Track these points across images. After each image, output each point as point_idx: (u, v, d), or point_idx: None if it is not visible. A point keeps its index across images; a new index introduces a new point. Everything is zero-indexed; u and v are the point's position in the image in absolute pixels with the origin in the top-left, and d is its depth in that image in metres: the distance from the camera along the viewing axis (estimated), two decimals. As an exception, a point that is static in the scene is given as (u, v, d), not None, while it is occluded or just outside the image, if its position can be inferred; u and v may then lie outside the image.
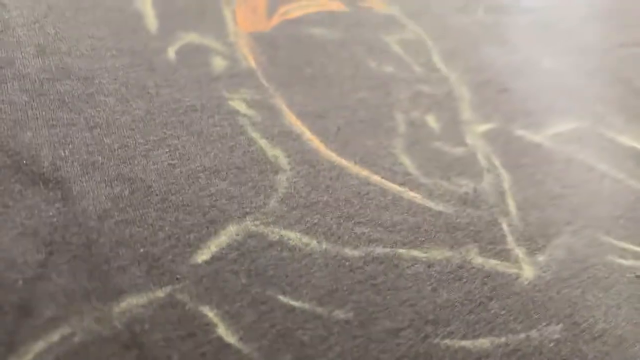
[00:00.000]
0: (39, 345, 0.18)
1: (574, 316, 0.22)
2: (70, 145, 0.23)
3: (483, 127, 0.30)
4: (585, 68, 0.36)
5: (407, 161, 0.28)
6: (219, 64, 0.29)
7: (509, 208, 0.26)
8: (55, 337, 0.18)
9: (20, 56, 0.26)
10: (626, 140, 0.31)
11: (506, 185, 0.28)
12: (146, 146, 0.24)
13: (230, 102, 0.27)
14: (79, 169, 0.23)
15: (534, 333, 0.21)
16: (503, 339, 0.20)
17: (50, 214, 0.21)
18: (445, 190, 0.27)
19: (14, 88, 0.25)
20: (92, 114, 0.25)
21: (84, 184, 0.22)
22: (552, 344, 0.21)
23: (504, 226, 0.25)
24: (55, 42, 0.27)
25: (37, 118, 0.24)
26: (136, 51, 0.28)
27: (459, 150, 0.29)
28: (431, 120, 0.30)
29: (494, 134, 0.30)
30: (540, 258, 0.24)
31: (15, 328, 0.18)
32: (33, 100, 0.24)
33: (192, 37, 0.30)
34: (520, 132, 0.30)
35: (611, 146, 0.31)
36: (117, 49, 0.28)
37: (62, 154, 0.23)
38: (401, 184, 0.26)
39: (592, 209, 0.28)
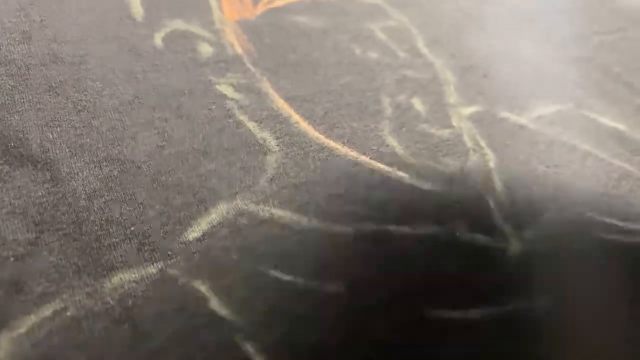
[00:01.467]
0: (31, 320, 0.18)
1: (562, 287, 0.22)
2: (58, 128, 0.23)
3: (468, 110, 0.31)
4: (564, 55, 0.37)
5: (394, 143, 0.28)
6: (205, 50, 0.29)
7: (495, 186, 0.27)
8: (47, 311, 0.18)
9: (6, 42, 0.26)
10: (607, 121, 0.32)
11: (492, 164, 0.28)
12: (134, 128, 0.24)
13: (218, 87, 0.28)
14: (67, 150, 0.23)
15: (523, 303, 0.21)
16: (493, 309, 0.21)
17: (40, 194, 0.21)
18: (433, 170, 0.27)
19: (0, 73, 0.25)
20: (80, 97, 0.25)
21: (73, 165, 0.22)
22: (542, 313, 0.21)
23: (491, 203, 0.26)
24: (41, 29, 0.27)
25: (23, 102, 0.24)
26: (122, 38, 0.28)
27: (445, 132, 0.30)
28: (417, 104, 0.31)
29: (479, 116, 0.31)
30: (527, 233, 0.24)
31: (6, 303, 0.18)
32: (19, 85, 0.24)
33: (178, 25, 0.30)
34: (504, 115, 0.31)
35: (593, 127, 0.32)
36: (103, 36, 0.28)
37: (50, 136, 0.23)
38: (389, 165, 0.26)
39: (577, 187, 0.28)
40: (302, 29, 0.33)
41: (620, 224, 0.26)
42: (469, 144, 0.29)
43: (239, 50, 0.30)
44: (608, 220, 0.27)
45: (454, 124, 0.30)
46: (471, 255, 0.23)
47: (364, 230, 0.23)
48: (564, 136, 0.30)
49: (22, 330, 0.17)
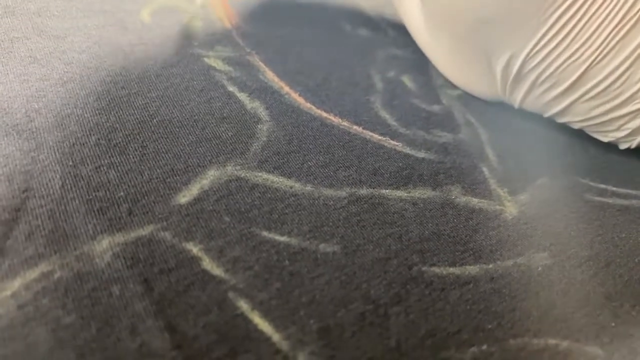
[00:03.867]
0: (17, 282, 0.17)
1: (559, 245, 0.22)
2: (44, 99, 0.23)
3: (456, 92, 0.31)
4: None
5: (386, 115, 0.28)
6: (193, 24, 0.29)
7: (489, 156, 0.27)
8: (34, 274, 0.17)
9: (-11, 17, 0.25)
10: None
11: (484, 137, 0.28)
12: (123, 98, 0.24)
13: (206, 59, 0.27)
14: (53, 120, 0.22)
15: (521, 259, 0.21)
16: (491, 266, 0.20)
17: (25, 162, 0.20)
18: (426, 140, 0.27)
19: (-17, 47, 0.24)
20: (65, 69, 0.24)
21: (59, 134, 0.22)
22: (540, 269, 0.21)
23: (485, 170, 0.25)
24: (24, 3, 0.27)
25: (7, 73, 0.23)
26: (108, 11, 0.28)
27: (435, 108, 0.29)
28: (407, 81, 0.31)
29: (468, 97, 0.30)
30: (522, 197, 0.24)
31: (-9, 266, 0.17)
32: (3, 57, 0.24)
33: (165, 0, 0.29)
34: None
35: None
36: (88, 10, 0.27)
37: (36, 106, 0.22)
38: (382, 134, 0.26)
39: (569, 156, 0.28)
40: (292, 5, 0.33)
41: (614, 188, 0.26)
42: (460, 119, 0.29)
43: (228, 24, 0.30)
44: (602, 185, 0.26)
45: (444, 101, 0.30)
46: (467, 216, 0.23)
47: (358, 193, 0.23)
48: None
49: (8, 292, 0.17)
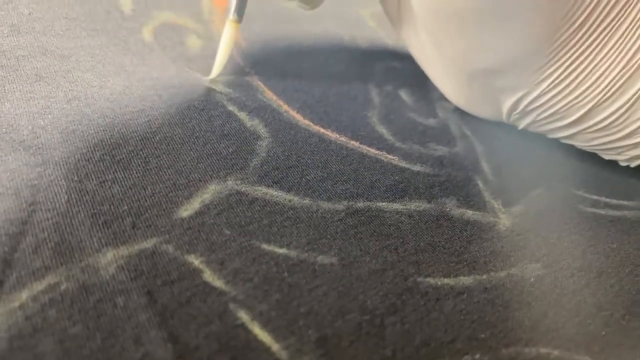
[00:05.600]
0: (25, 294, 0.18)
1: (552, 255, 0.22)
2: (50, 116, 0.24)
3: (453, 105, 0.31)
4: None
5: (383, 129, 0.28)
6: (194, 43, 0.30)
7: (484, 168, 0.27)
8: (40, 286, 0.18)
9: (-5, 36, 0.26)
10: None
11: (479, 150, 0.29)
12: (126, 116, 0.25)
13: (207, 82, 0.28)
14: (59, 136, 0.23)
15: (514, 270, 0.21)
16: (485, 276, 0.21)
17: (32, 176, 0.21)
18: (422, 154, 0.27)
19: (-10, 65, 0.25)
20: (70, 87, 0.25)
21: (65, 150, 0.22)
22: (532, 279, 0.21)
23: (480, 183, 0.26)
24: (30, 22, 0.27)
25: (14, 91, 0.24)
26: (111, 31, 0.28)
27: (431, 121, 0.30)
28: (404, 94, 0.31)
29: (463, 111, 0.31)
30: (516, 208, 0.25)
31: (0, 279, 0.18)
32: (9, 75, 0.25)
33: (166, 16, 0.30)
34: None
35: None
36: (92, 29, 0.28)
37: (42, 122, 0.23)
38: (379, 149, 0.27)
39: (564, 169, 0.29)
40: (290, 16, 0.33)
41: (608, 200, 0.27)
42: (456, 132, 0.29)
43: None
44: (596, 197, 0.27)
45: (440, 115, 0.31)
46: (462, 228, 0.23)
47: (355, 206, 0.23)
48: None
49: (16, 304, 0.17)
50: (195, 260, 0.20)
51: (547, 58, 0.23)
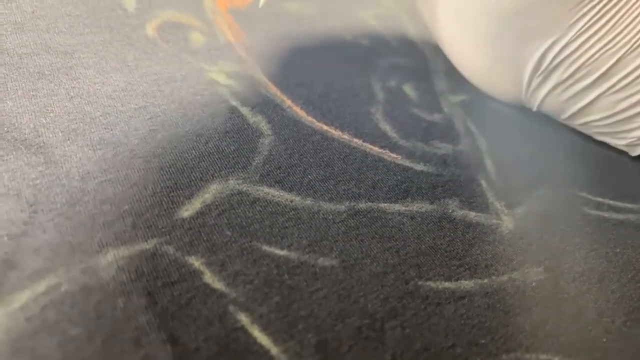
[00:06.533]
0: (25, 295, 0.18)
1: (554, 259, 0.22)
2: (52, 114, 0.24)
3: (458, 97, 0.31)
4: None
5: (386, 126, 0.28)
6: (197, 38, 0.30)
7: (487, 167, 0.27)
8: (41, 287, 0.18)
9: (-1, 32, 0.26)
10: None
11: (483, 147, 0.28)
12: (128, 114, 0.25)
13: (210, 74, 0.28)
14: (60, 135, 0.23)
15: (516, 274, 0.21)
16: (486, 280, 0.21)
17: (33, 176, 0.21)
18: (425, 152, 0.27)
19: (-7, 62, 0.25)
20: (72, 85, 0.25)
21: (67, 149, 0.22)
22: (534, 284, 0.21)
23: (483, 183, 0.26)
24: (33, 19, 0.27)
25: (16, 89, 0.24)
26: (114, 28, 0.28)
27: (436, 117, 0.30)
28: (408, 89, 0.31)
29: (468, 104, 0.31)
30: (519, 210, 0.25)
31: (1, 280, 0.18)
32: (12, 73, 0.25)
33: (169, 15, 0.30)
34: (493, 104, 0.31)
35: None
36: (95, 26, 0.28)
37: (44, 121, 0.23)
38: (382, 147, 0.27)
39: (567, 168, 0.28)
40: (293, 16, 0.33)
41: (611, 202, 0.27)
42: (460, 128, 0.29)
43: (231, 38, 0.30)
44: (600, 199, 0.27)
45: (445, 109, 0.30)
46: (464, 230, 0.23)
47: (357, 207, 0.23)
48: (552, 122, 0.31)
49: (16, 305, 0.17)
50: (195, 262, 0.20)
51: None
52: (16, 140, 0.22)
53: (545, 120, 0.30)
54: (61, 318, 0.17)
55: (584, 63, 0.25)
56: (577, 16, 0.24)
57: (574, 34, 0.24)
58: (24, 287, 0.18)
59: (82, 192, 0.21)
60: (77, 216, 0.20)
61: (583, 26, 0.24)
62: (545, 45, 0.25)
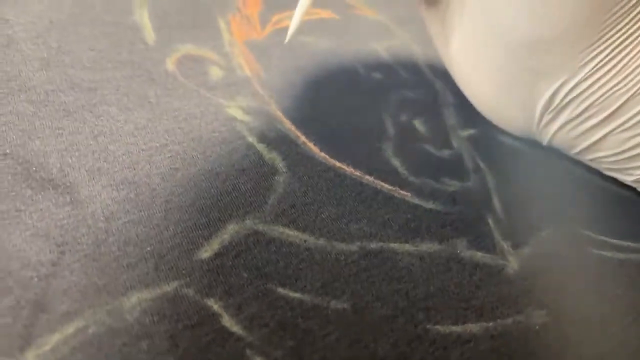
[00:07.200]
0: (56, 337, 0.19)
1: (558, 301, 0.23)
2: (77, 153, 0.25)
3: (467, 132, 0.32)
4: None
5: (397, 162, 0.29)
6: (215, 73, 0.31)
7: (495, 206, 0.28)
8: (70, 329, 0.19)
9: (26, 69, 0.27)
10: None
11: (491, 185, 0.29)
12: (149, 152, 0.26)
13: (228, 110, 0.29)
14: (85, 174, 0.24)
15: (520, 317, 0.22)
16: (491, 324, 0.22)
17: (61, 216, 0.22)
18: (434, 189, 0.28)
19: (21, 100, 0.26)
20: (96, 122, 0.26)
21: (92, 188, 0.23)
22: (537, 327, 0.22)
23: (490, 222, 0.27)
24: (59, 55, 0.28)
25: (44, 127, 0.25)
26: (135, 62, 0.29)
27: (445, 153, 0.31)
28: (418, 124, 0.32)
29: (477, 138, 0.32)
30: (525, 250, 0.26)
31: (32, 322, 0.19)
32: (39, 111, 0.26)
33: (188, 48, 0.31)
34: (502, 138, 0.32)
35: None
36: (117, 61, 0.29)
37: (70, 160, 0.24)
38: (392, 184, 0.28)
39: (573, 207, 0.29)
40: (308, 49, 0.34)
41: (614, 241, 0.27)
42: (469, 164, 0.30)
43: (248, 72, 0.31)
44: (603, 237, 0.28)
45: (454, 144, 0.31)
46: (471, 272, 0.24)
47: (368, 247, 0.24)
48: (560, 160, 0.31)
49: (47, 347, 0.19)
50: (214, 305, 0.21)
51: (595, 36, 0.24)
52: (44, 179, 0.23)
53: (554, 155, 0.31)
54: (89, 360, 0.18)
55: (593, 102, 0.25)
56: (587, 59, 0.25)
57: (584, 75, 0.25)
58: (54, 330, 0.19)
59: (106, 233, 0.22)
60: (102, 257, 0.21)
61: (593, 68, 0.25)
62: (556, 85, 0.26)
